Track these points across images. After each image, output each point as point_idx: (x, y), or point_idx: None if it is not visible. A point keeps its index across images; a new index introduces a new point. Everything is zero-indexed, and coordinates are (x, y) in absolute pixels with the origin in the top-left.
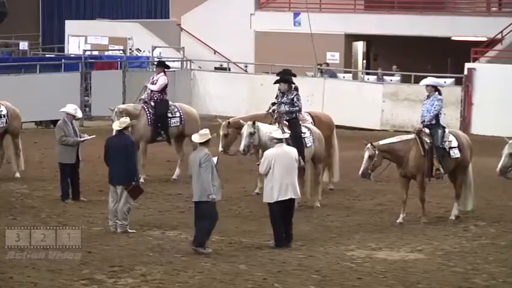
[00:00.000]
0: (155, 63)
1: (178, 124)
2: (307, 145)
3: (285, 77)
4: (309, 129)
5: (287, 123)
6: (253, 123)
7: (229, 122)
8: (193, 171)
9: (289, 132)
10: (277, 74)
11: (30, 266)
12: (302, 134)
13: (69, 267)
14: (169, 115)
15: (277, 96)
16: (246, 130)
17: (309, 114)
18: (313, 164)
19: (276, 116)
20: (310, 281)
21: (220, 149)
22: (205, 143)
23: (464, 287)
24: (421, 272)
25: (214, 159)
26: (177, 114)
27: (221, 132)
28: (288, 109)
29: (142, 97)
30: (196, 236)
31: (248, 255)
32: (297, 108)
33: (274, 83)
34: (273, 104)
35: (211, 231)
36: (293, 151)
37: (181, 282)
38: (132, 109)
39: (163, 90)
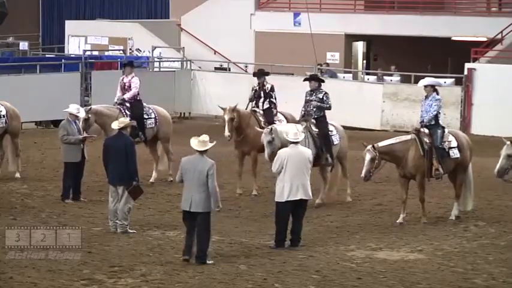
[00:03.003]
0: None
1: (153, 126)
2: (334, 143)
3: (315, 75)
4: (335, 127)
5: (315, 121)
6: (271, 130)
7: (234, 107)
8: (193, 179)
9: (310, 132)
10: (254, 75)
11: (30, 266)
12: (329, 132)
13: (69, 267)
14: (145, 116)
15: (251, 96)
16: (264, 139)
17: (282, 114)
18: (338, 161)
19: (303, 114)
20: (310, 281)
21: (227, 133)
22: (204, 151)
23: (464, 287)
24: (421, 272)
25: None
26: (152, 116)
27: (226, 117)
28: (316, 107)
29: (116, 100)
30: (202, 249)
31: (248, 255)
32: (327, 105)
33: (304, 80)
34: (251, 100)
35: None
36: (307, 152)
37: (181, 282)
38: (107, 111)
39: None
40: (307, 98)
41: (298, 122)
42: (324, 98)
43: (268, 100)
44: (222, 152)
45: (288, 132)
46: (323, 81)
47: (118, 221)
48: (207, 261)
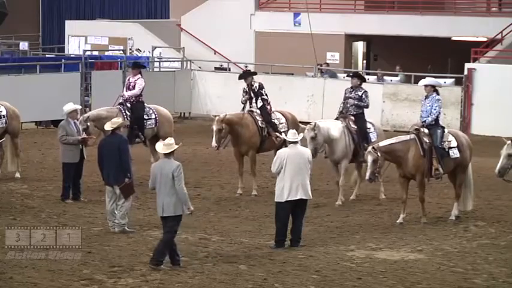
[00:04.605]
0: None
1: (153, 126)
2: (372, 140)
3: (358, 73)
4: (373, 125)
5: (353, 118)
6: (314, 126)
7: (223, 118)
8: (161, 183)
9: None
10: (240, 77)
11: (30, 266)
12: (367, 130)
13: (69, 267)
14: (145, 117)
15: (243, 96)
16: (307, 135)
17: (282, 113)
18: None
19: (342, 111)
20: (310, 281)
21: (214, 144)
22: (170, 154)
23: (464, 287)
24: (421, 272)
25: None
26: (153, 116)
27: (214, 127)
28: (355, 104)
29: (120, 101)
30: (158, 254)
31: (248, 255)
32: (365, 104)
33: (347, 76)
34: (244, 103)
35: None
36: (306, 152)
37: (181, 282)
38: (105, 113)
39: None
40: (347, 95)
41: (337, 119)
42: (363, 96)
43: (260, 98)
44: (222, 152)
45: (329, 128)
46: (365, 80)
47: (116, 220)
48: (161, 266)
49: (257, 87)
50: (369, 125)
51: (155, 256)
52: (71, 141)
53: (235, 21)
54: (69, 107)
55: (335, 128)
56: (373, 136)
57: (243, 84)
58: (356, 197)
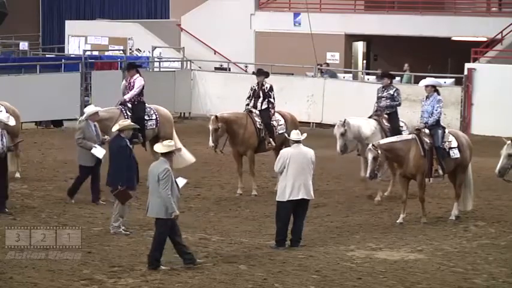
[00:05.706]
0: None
1: (154, 127)
2: None
3: (387, 72)
4: (405, 123)
5: (387, 116)
6: (343, 122)
7: (217, 117)
8: (151, 183)
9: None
10: (254, 73)
11: (30, 266)
12: (400, 128)
13: (69, 267)
14: (146, 117)
15: (249, 96)
16: (337, 132)
17: (281, 113)
18: None
19: (375, 110)
20: (310, 281)
21: (211, 144)
22: (167, 155)
23: (464, 287)
24: (421, 272)
25: (182, 182)
26: (153, 117)
27: (210, 127)
28: (388, 103)
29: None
30: (152, 256)
31: (248, 255)
32: (397, 102)
33: (376, 77)
34: (247, 103)
35: (163, 248)
36: (309, 152)
37: (181, 282)
38: (106, 114)
39: (140, 92)
40: (379, 94)
41: (370, 117)
42: (395, 94)
43: (266, 100)
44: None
45: (360, 126)
46: (394, 78)
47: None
48: (161, 267)
49: (267, 88)
50: (401, 124)
51: (151, 261)
52: (87, 147)
53: (235, 21)
54: (91, 109)
55: (366, 126)
56: (405, 134)
57: (243, 84)
58: (390, 194)
